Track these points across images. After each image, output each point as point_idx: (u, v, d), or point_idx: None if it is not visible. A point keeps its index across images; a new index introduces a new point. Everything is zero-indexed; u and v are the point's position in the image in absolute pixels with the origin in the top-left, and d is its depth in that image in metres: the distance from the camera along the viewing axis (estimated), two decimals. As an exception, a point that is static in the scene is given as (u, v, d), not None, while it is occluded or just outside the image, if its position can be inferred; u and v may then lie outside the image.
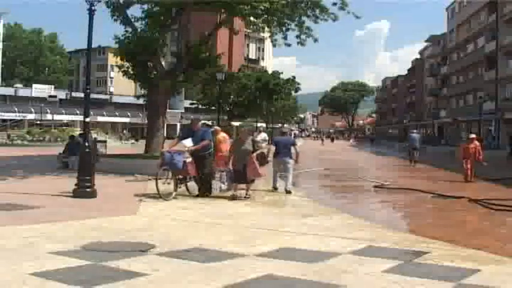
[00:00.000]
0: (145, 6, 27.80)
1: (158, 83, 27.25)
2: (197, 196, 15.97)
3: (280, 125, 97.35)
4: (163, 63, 30.38)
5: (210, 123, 34.01)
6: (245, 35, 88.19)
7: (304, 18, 27.12)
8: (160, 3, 26.75)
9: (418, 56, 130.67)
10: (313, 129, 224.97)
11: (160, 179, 15.05)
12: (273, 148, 19.72)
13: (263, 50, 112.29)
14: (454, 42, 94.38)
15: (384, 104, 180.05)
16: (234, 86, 54.96)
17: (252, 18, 28.21)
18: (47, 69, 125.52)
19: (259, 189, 18.73)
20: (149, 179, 17.87)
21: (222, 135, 18.94)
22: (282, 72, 65.40)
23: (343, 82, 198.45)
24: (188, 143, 15.96)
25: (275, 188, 19.11)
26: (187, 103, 68.33)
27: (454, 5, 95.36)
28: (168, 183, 15.21)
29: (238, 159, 16.22)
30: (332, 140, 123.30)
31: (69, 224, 10.94)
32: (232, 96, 55.19)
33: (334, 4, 26.39)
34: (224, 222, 11.80)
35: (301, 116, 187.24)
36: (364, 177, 26.59)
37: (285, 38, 28.52)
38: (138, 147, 40.28)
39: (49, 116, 79.56)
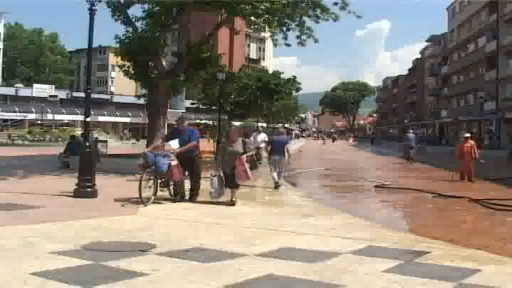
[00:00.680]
0: (146, 6, 27.82)
1: (159, 82, 27.24)
2: (175, 201, 14.77)
3: (280, 124, 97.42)
4: (164, 63, 30.38)
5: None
6: (246, 34, 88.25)
7: (305, 18, 27.19)
8: (160, 3, 26.76)
9: (419, 56, 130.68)
10: (313, 129, 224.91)
11: (143, 181, 13.89)
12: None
13: (264, 50, 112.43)
14: (454, 42, 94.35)
15: (385, 104, 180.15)
16: (235, 86, 54.81)
17: (252, 18, 28.23)
18: (47, 69, 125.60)
19: (259, 186, 18.82)
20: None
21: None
22: (282, 72, 65.30)
23: (344, 82, 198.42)
24: (174, 144, 14.91)
25: (277, 184, 19.67)
26: (188, 103, 68.24)
27: (454, 4, 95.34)
28: (150, 187, 14.09)
29: (227, 162, 14.83)
30: (333, 140, 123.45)
31: (70, 224, 10.95)
32: (233, 96, 55.02)
33: (335, 4, 26.47)
34: (224, 222, 11.79)
35: (302, 115, 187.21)
36: (365, 177, 26.61)
37: (286, 38, 28.63)
38: (139, 147, 40.28)
39: (50, 116, 79.64)
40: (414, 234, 11.29)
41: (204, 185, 15.48)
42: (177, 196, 14.99)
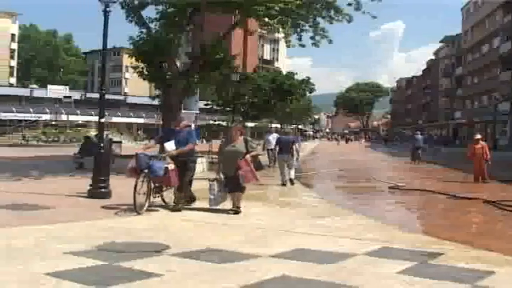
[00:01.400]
0: (160, 7, 27.89)
1: (173, 83, 27.28)
2: (173, 209, 13.21)
3: (294, 125, 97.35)
4: (177, 64, 30.41)
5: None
6: (259, 35, 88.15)
7: (318, 19, 27.13)
8: (174, 4, 26.81)
9: (433, 57, 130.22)
10: (327, 130, 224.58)
11: (138, 187, 12.43)
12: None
13: (277, 51, 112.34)
14: (469, 43, 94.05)
15: (399, 105, 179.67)
16: (249, 87, 54.84)
17: (266, 19, 28.20)
18: (62, 70, 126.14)
19: (271, 186, 18.91)
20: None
21: None
22: (296, 73, 65.24)
23: (358, 83, 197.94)
24: (170, 146, 13.43)
25: (283, 184, 20.55)
26: (202, 104, 68.40)
27: (469, 5, 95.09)
28: (144, 194, 12.65)
29: (228, 163, 13.36)
30: (347, 141, 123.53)
31: (83, 224, 11.01)
32: (247, 97, 55.04)
33: (350, 5, 26.39)
34: (237, 223, 11.81)
35: (316, 116, 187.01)
36: (378, 178, 26.56)
37: (300, 39, 28.55)
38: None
39: (64, 117, 79.82)
40: (428, 236, 11.27)
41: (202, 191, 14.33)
42: (180, 202, 13.41)
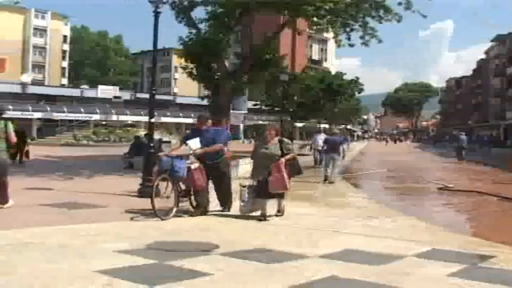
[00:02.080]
0: (209, 8, 28.06)
1: (222, 84, 27.40)
2: (193, 214, 12.21)
3: (343, 126, 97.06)
4: (226, 64, 30.55)
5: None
6: (308, 36, 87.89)
7: (368, 18, 26.98)
8: (224, 5, 26.94)
9: (484, 56, 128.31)
10: (375, 131, 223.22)
11: (158, 191, 11.78)
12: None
13: (326, 51, 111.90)
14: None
15: (449, 105, 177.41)
16: (298, 87, 54.87)
17: (315, 19, 28.13)
18: (112, 70, 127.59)
19: (311, 181, 19.06)
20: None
21: None
22: (345, 73, 65.06)
23: (407, 83, 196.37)
24: (194, 144, 12.36)
25: (326, 180, 21.92)
26: (250, 104, 68.53)
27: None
28: (168, 197, 11.88)
29: (261, 167, 12.27)
30: (395, 141, 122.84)
31: (133, 223, 11.16)
32: (295, 97, 55.08)
33: (400, 4, 26.18)
34: (285, 223, 11.77)
35: (364, 117, 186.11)
36: (427, 179, 26.30)
37: (349, 38, 28.41)
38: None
39: (114, 117, 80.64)
40: (478, 238, 11.10)
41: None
42: (198, 208, 12.39)
